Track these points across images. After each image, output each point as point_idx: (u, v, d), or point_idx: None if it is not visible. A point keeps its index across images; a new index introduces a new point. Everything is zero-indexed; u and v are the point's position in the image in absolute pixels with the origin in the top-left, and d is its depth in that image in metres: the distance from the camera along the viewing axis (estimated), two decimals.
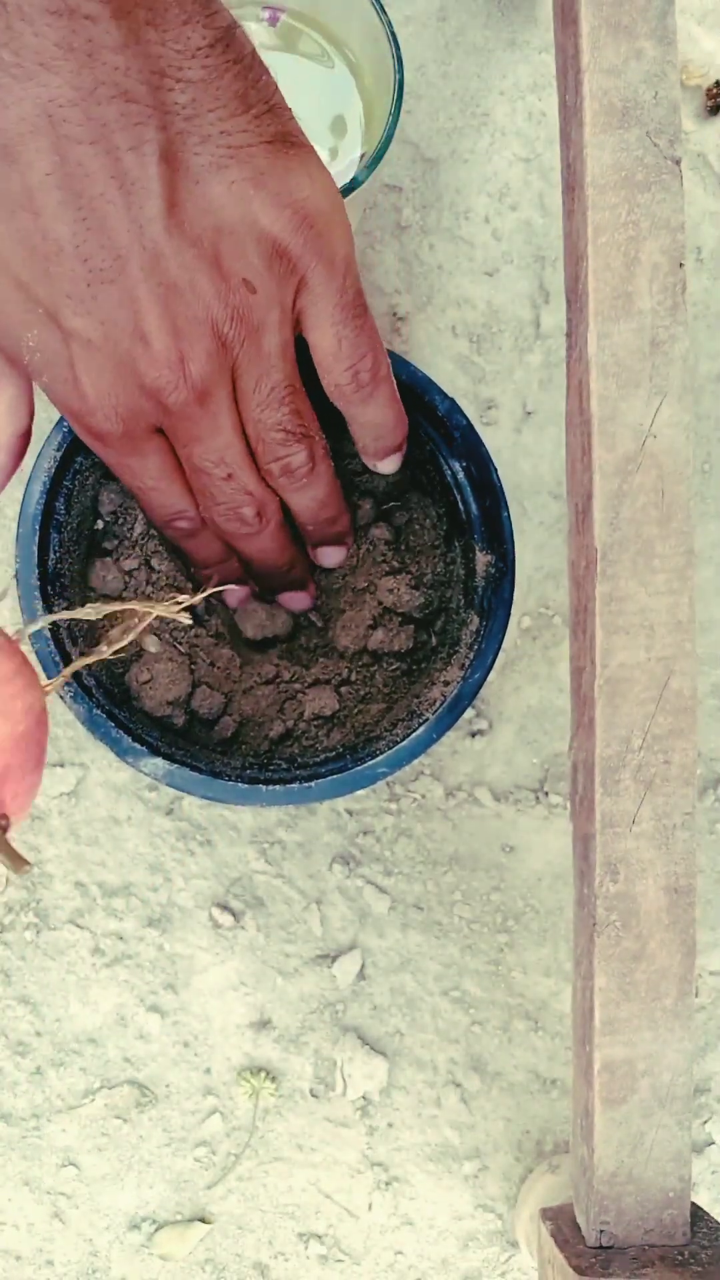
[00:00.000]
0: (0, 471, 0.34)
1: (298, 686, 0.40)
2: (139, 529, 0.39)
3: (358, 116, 0.45)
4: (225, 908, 0.50)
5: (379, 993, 0.50)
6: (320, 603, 0.41)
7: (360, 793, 0.47)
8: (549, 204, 0.51)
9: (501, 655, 0.37)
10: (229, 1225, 0.50)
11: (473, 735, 0.51)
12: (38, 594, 0.35)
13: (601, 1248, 0.33)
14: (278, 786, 0.36)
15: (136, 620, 0.36)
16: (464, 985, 0.51)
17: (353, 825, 0.50)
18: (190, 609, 0.40)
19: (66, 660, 0.36)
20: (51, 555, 0.36)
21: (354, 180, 0.41)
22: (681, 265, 0.33)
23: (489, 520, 0.37)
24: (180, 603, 0.30)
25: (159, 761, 0.35)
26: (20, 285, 0.28)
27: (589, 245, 0.33)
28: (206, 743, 0.39)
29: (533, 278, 0.51)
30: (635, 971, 0.33)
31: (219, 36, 0.27)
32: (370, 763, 0.36)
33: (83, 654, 0.37)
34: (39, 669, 0.33)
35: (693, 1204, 0.34)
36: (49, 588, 0.36)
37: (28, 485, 0.36)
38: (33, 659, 0.31)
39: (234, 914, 0.50)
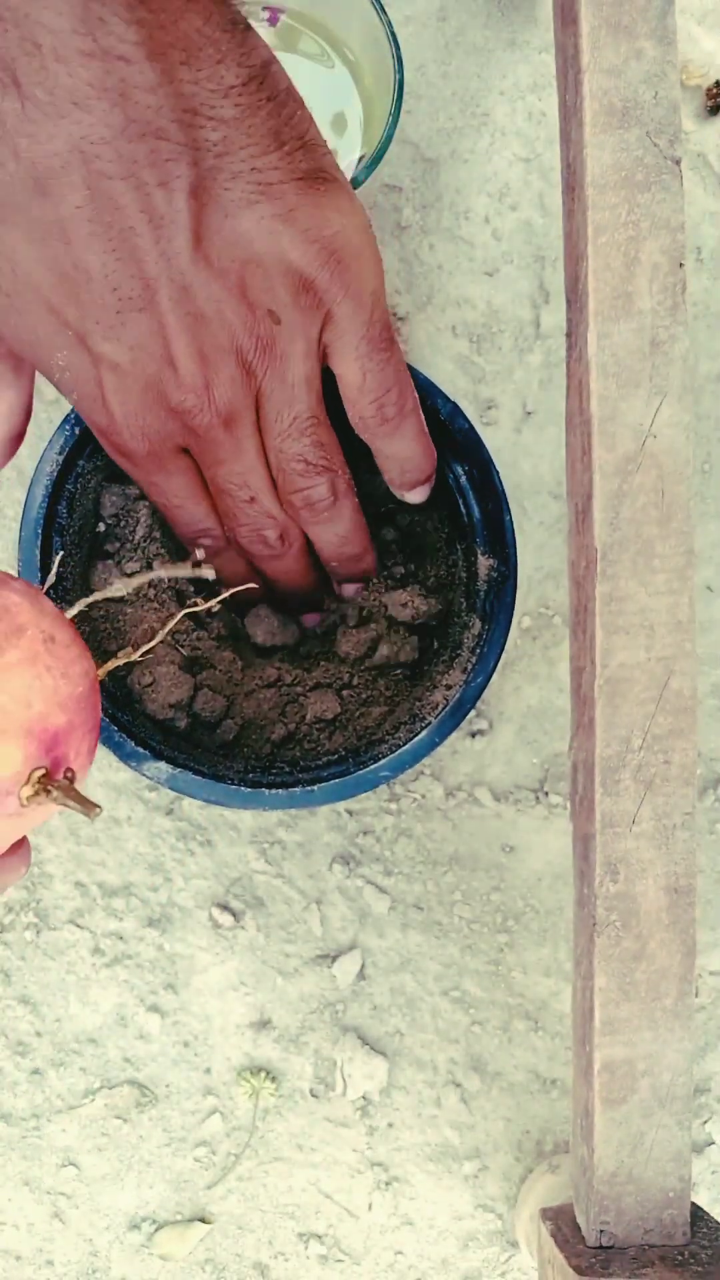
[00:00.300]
0: None
1: (299, 690, 0.40)
2: (141, 532, 0.39)
3: (358, 116, 0.45)
4: (225, 908, 0.50)
5: (379, 993, 0.50)
6: (328, 612, 0.41)
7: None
8: (549, 204, 0.51)
9: (502, 655, 0.37)
10: (229, 1225, 0.51)
11: (473, 735, 0.51)
12: None
13: (601, 1248, 0.33)
14: (280, 790, 0.36)
15: (159, 625, 0.37)
16: (464, 985, 0.51)
17: (353, 825, 0.50)
18: (193, 614, 0.40)
19: None
20: (53, 558, 0.36)
21: (354, 180, 0.41)
22: (681, 265, 0.33)
23: (491, 524, 0.37)
24: (198, 564, 0.31)
25: (162, 765, 0.35)
26: (51, 309, 0.29)
27: (589, 245, 0.33)
28: (209, 746, 0.39)
29: (533, 278, 0.51)
30: (635, 971, 0.33)
31: (253, 74, 0.27)
32: (372, 766, 0.36)
33: (114, 654, 0.37)
34: None
35: (693, 1204, 0.34)
36: (50, 591, 0.36)
37: (30, 488, 0.36)
38: None
39: (234, 914, 0.50)
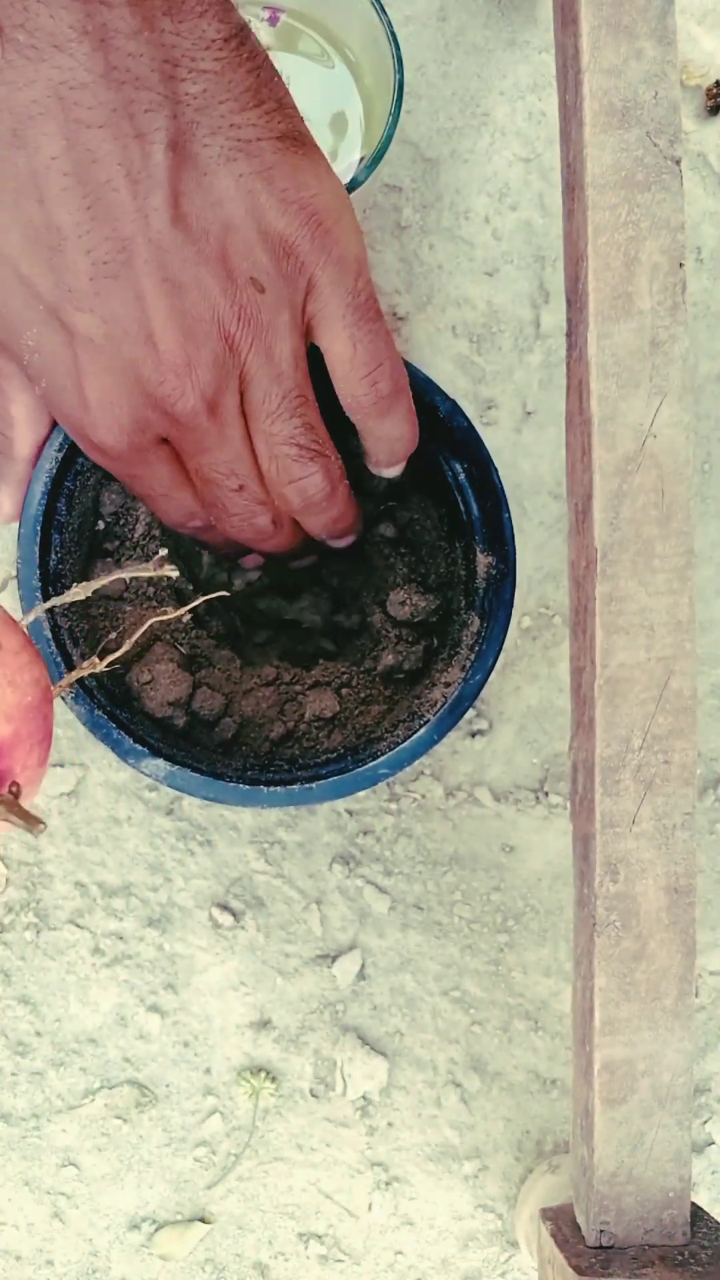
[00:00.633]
0: (19, 482, 0.33)
1: (298, 688, 0.40)
2: (140, 530, 0.39)
3: (358, 116, 0.45)
4: (225, 908, 0.50)
5: (379, 993, 0.50)
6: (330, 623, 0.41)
7: (360, 793, 0.47)
8: (549, 204, 0.51)
9: (501, 655, 0.36)
10: (229, 1225, 0.50)
11: (473, 735, 0.51)
12: (39, 595, 0.35)
13: (601, 1248, 0.33)
14: (278, 788, 0.36)
15: (136, 623, 0.36)
16: (464, 985, 0.51)
17: (353, 825, 0.50)
18: (192, 613, 0.40)
19: (68, 660, 0.36)
20: (53, 556, 0.36)
21: (354, 180, 0.41)
22: (681, 265, 0.33)
23: (490, 521, 0.37)
24: (164, 564, 0.30)
25: (160, 763, 0.35)
26: (22, 279, 0.27)
27: (589, 245, 0.33)
28: (207, 744, 0.39)
29: (533, 278, 0.51)
30: (635, 971, 0.33)
31: (233, 32, 0.27)
32: (371, 764, 0.36)
33: (84, 657, 0.37)
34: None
35: (693, 1204, 0.34)
36: (50, 588, 0.36)
37: (29, 486, 0.36)
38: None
39: (234, 914, 0.50)
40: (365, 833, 0.50)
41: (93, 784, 0.50)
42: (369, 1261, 0.51)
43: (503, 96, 0.50)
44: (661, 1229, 0.33)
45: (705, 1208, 0.47)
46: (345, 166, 0.44)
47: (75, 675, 0.27)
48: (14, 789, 0.23)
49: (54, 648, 0.35)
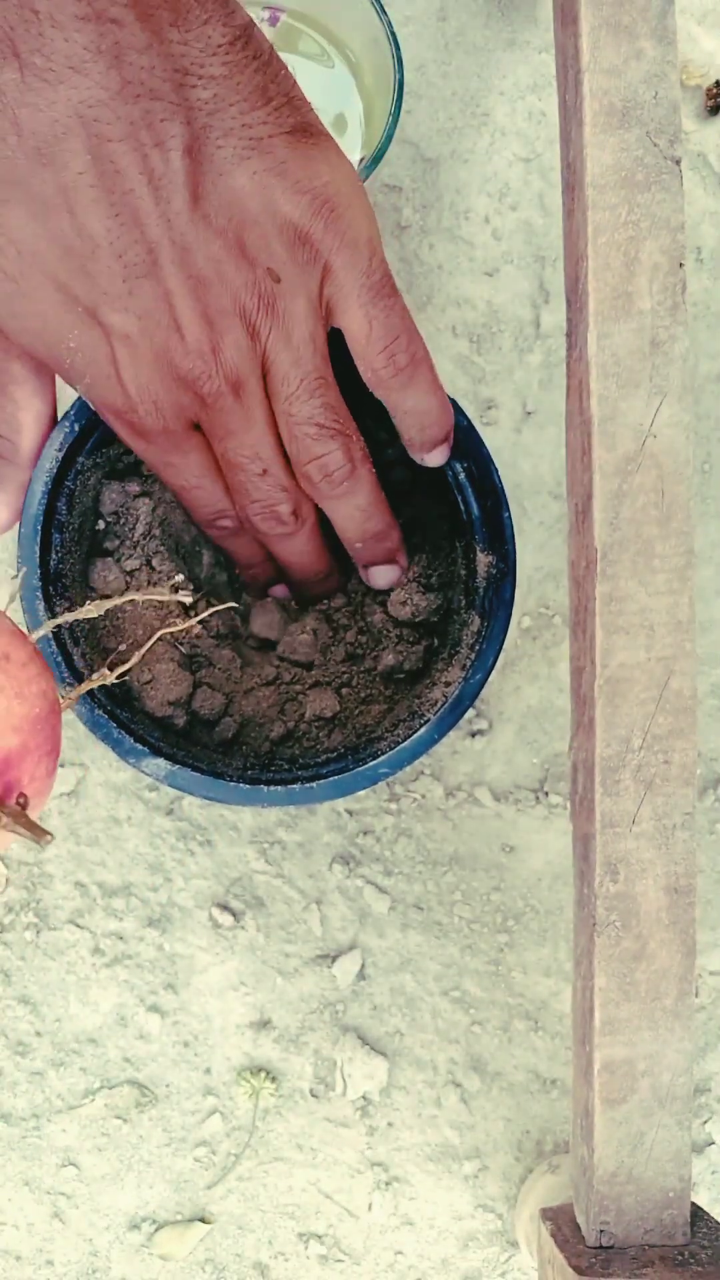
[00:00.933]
0: (19, 488, 0.35)
1: (298, 688, 0.40)
2: (140, 529, 0.39)
3: (358, 116, 0.45)
4: (225, 908, 0.50)
5: (379, 993, 0.50)
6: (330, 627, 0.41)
7: (360, 793, 0.47)
8: (549, 204, 0.51)
9: (501, 655, 0.36)
10: (229, 1225, 0.50)
11: (473, 735, 0.51)
12: (39, 594, 0.35)
13: (601, 1248, 0.33)
14: (279, 787, 0.36)
15: (159, 623, 0.36)
16: (464, 985, 0.51)
17: (353, 825, 0.50)
18: (191, 610, 0.40)
19: (69, 660, 0.36)
20: (53, 555, 0.36)
21: None
22: (681, 265, 0.33)
23: (490, 521, 0.37)
24: (177, 589, 0.31)
25: (160, 762, 0.35)
26: (60, 286, 0.29)
27: (589, 245, 0.33)
28: (208, 743, 0.39)
29: (533, 278, 0.51)
30: (635, 971, 0.33)
31: (238, 34, 0.28)
32: (371, 763, 0.36)
33: (85, 656, 0.37)
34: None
35: (693, 1204, 0.34)
36: (50, 588, 0.36)
37: (29, 485, 0.36)
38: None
39: (234, 914, 0.50)
40: (365, 833, 0.50)
41: (93, 784, 0.50)
42: (369, 1261, 0.51)
43: (503, 96, 0.50)
44: (661, 1229, 0.33)
45: (705, 1208, 0.47)
46: None
47: (84, 688, 0.27)
48: (21, 800, 0.23)
49: (55, 647, 0.35)
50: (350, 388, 0.33)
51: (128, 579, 0.39)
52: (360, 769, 0.36)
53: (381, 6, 0.41)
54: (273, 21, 0.45)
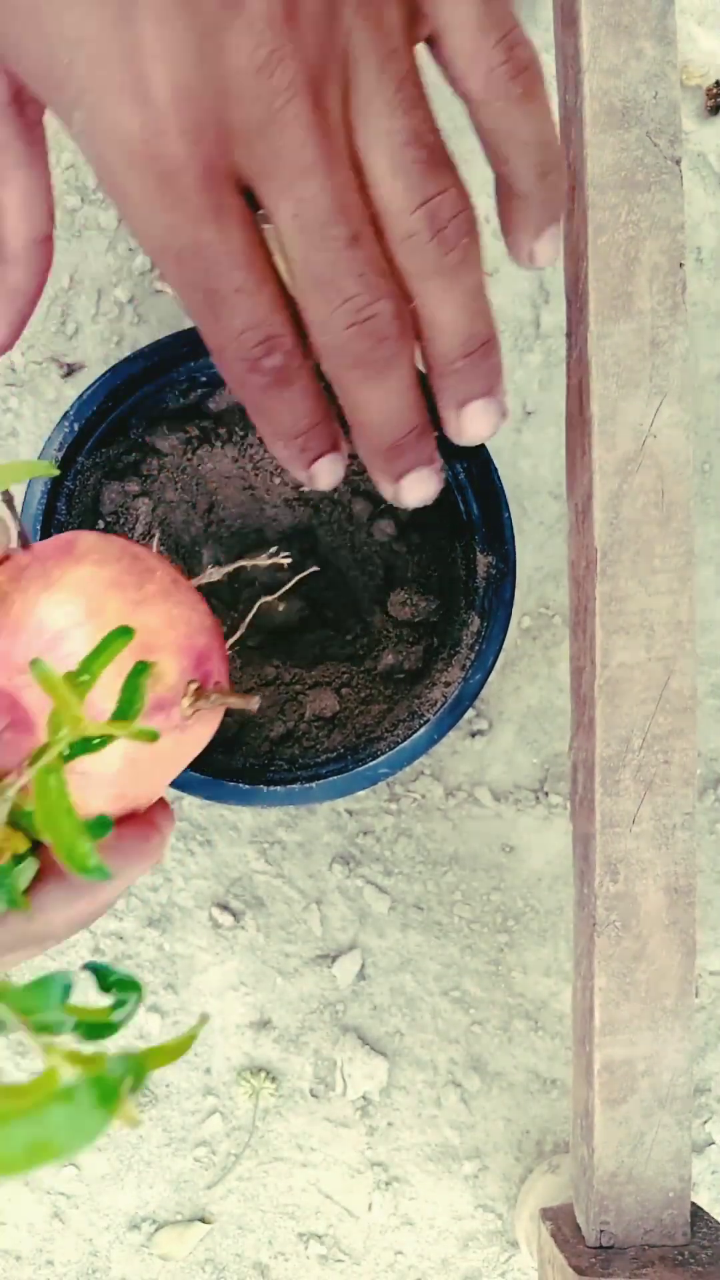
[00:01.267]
0: (15, 296, 0.26)
1: (298, 688, 0.40)
2: (140, 529, 0.39)
3: None
4: (225, 908, 0.50)
5: (379, 993, 0.50)
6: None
7: (360, 793, 0.47)
8: None
9: (501, 655, 0.36)
10: (229, 1225, 0.50)
11: (473, 735, 0.51)
12: None
13: (601, 1248, 0.33)
14: (279, 787, 0.36)
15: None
16: (464, 985, 0.51)
17: (353, 825, 0.50)
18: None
19: None
20: None
21: None
22: (681, 265, 0.33)
23: (489, 522, 0.37)
24: (275, 554, 0.30)
25: None
26: None
27: (589, 245, 0.33)
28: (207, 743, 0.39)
29: (533, 278, 0.51)
30: (635, 971, 0.33)
31: None
32: (371, 763, 0.36)
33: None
34: None
35: (693, 1204, 0.34)
36: None
37: (29, 485, 0.36)
38: None
39: (234, 914, 0.50)
40: (365, 833, 0.50)
41: None
42: (369, 1261, 0.51)
43: None
44: (661, 1229, 0.33)
45: (705, 1208, 0.47)
46: None
47: (242, 629, 0.30)
48: (218, 685, 0.26)
49: None
50: None
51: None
52: (360, 769, 0.36)
53: None
54: None
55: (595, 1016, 0.33)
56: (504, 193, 0.25)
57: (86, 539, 0.25)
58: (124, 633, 0.23)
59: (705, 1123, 0.52)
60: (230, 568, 0.28)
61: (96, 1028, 0.19)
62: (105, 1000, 0.19)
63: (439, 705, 0.36)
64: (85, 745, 0.22)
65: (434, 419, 0.26)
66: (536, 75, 0.23)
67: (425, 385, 0.25)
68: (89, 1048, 0.16)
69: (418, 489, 0.26)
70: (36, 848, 0.23)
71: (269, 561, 0.27)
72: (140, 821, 0.26)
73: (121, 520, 0.39)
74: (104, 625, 0.24)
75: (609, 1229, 0.33)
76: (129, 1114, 0.14)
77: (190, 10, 0.20)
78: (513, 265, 0.51)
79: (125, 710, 0.23)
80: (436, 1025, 0.51)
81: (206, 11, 0.20)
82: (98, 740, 0.22)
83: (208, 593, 0.40)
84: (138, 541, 0.37)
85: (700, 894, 0.51)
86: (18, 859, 0.22)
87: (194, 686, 0.25)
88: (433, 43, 0.23)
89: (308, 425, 0.25)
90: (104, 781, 0.25)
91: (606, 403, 0.33)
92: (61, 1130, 0.13)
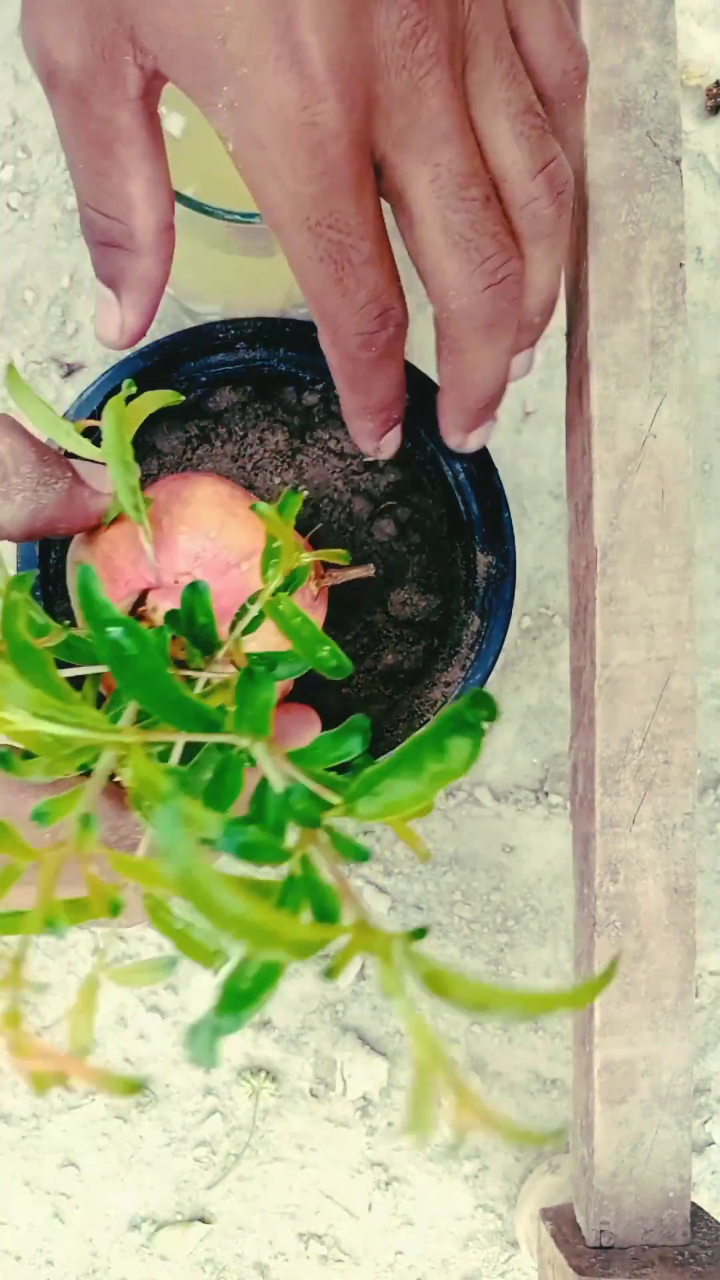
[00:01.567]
0: (147, 285, 0.26)
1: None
2: None
3: None
4: None
5: (379, 993, 0.50)
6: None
7: None
8: None
9: (502, 655, 0.37)
10: (229, 1225, 0.50)
11: None
12: (39, 594, 0.35)
13: (601, 1248, 0.33)
14: None
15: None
16: None
17: (352, 825, 0.50)
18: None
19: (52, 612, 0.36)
20: (53, 555, 0.36)
21: None
22: (681, 265, 0.33)
23: (489, 521, 0.37)
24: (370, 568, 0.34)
25: None
26: None
27: (589, 245, 0.33)
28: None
29: None
30: (635, 971, 0.33)
31: None
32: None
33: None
34: None
35: (693, 1204, 0.34)
36: (50, 587, 0.36)
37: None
38: None
39: None
40: (365, 832, 0.50)
41: None
42: (369, 1261, 0.51)
43: None
44: (661, 1229, 0.33)
45: (705, 1208, 0.47)
46: None
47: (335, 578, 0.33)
48: (331, 572, 0.31)
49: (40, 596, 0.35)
50: None
51: None
52: None
53: None
54: None
55: (595, 1016, 0.33)
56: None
57: (192, 473, 0.30)
58: (295, 492, 0.28)
59: (705, 1123, 0.52)
60: (356, 573, 0.33)
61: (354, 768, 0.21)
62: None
63: (439, 705, 0.36)
64: (288, 585, 0.28)
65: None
66: (583, 77, 0.25)
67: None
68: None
69: (484, 436, 0.30)
70: None
71: (365, 574, 0.33)
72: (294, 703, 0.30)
73: None
74: (240, 525, 0.28)
75: (609, 1229, 0.33)
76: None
77: None
78: None
79: (299, 574, 0.28)
80: (436, 1025, 0.51)
81: None
82: (297, 577, 0.28)
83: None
84: (40, 579, 0.39)
85: (700, 894, 0.51)
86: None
87: (318, 569, 0.30)
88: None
89: (395, 397, 0.27)
90: (267, 644, 0.29)
91: (606, 403, 0.33)
92: (449, 754, 0.17)
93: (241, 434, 0.39)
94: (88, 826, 0.18)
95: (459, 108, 0.23)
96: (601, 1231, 0.33)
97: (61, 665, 0.21)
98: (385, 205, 0.25)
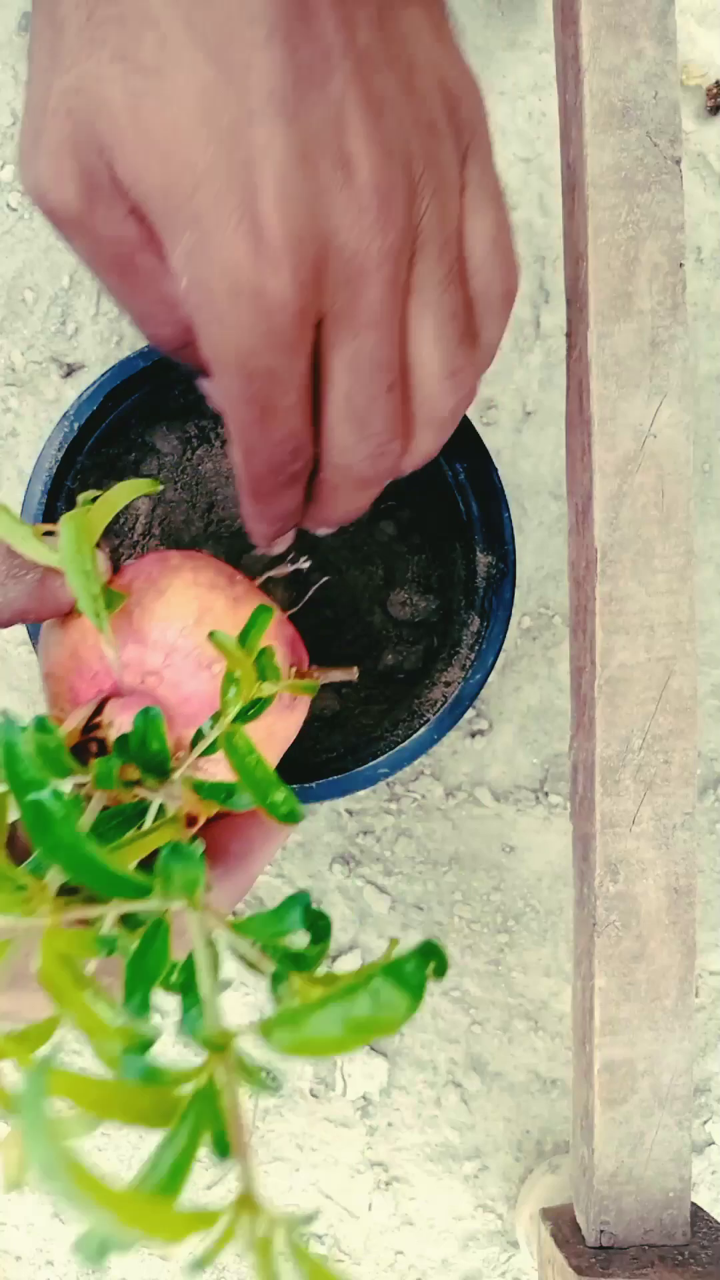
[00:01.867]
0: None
1: None
2: (140, 528, 0.39)
3: None
4: None
5: None
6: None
7: (360, 792, 0.47)
8: (549, 204, 0.51)
9: (502, 655, 0.36)
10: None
11: (473, 735, 0.51)
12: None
13: (601, 1248, 0.33)
14: None
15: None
16: (464, 985, 0.51)
17: (353, 825, 0.50)
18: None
19: None
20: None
21: None
22: (681, 265, 0.33)
23: (489, 522, 0.37)
24: (296, 564, 0.33)
25: None
26: (207, 89, 0.23)
27: (589, 245, 0.33)
28: None
29: (533, 278, 0.51)
30: (635, 971, 0.33)
31: None
32: (371, 763, 0.36)
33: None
34: None
35: (693, 1204, 0.34)
36: None
37: (29, 484, 0.36)
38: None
39: (234, 914, 0.50)
40: (365, 833, 0.50)
41: None
42: (369, 1261, 0.51)
43: (503, 97, 0.50)
44: (661, 1229, 0.33)
45: (705, 1208, 0.47)
46: None
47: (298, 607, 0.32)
48: (313, 669, 0.29)
49: None
50: None
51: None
52: (359, 769, 0.36)
53: None
54: None
55: (595, 1016, 0.33)
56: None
57: (173, 554, 0.28)
58: (265, 610, 0.26)
59: (705, 1123, 0.52)
60: (277, 572, 0.30)
61: (301, 959, 0.21)
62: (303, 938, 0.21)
63: (439, 705, 0.36)
64: (246, 712, 0.25)
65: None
66: (516, 273, 0.28)
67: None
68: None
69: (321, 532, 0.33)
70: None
71: (291, 569, 0.30)
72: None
73: (121, 520, 0.39)
74: (215, 621, 0.27)
75: (609, 1229, 0.33)
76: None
77: (308, 167, 0.23)
78: None
79: (272, 674, 0.26)
80: (437, 1025, 0.51)
81: (322, 173, 0.23)
82: (257, 705, 0.25)
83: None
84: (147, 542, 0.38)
85: (700, 894, 0.51)
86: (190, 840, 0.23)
87: (294, 670, 0.28)
88: None
89: (293, 509, 0.30)
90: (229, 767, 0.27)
91: (606, 403, 0.33)
92: (381, 1008, 0.16)
93: None
94: None
95: (395, 301, 0.25)
96: (601, 1231, 0.33)
97: None
98: None
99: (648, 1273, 0.31)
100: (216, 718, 0.25)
